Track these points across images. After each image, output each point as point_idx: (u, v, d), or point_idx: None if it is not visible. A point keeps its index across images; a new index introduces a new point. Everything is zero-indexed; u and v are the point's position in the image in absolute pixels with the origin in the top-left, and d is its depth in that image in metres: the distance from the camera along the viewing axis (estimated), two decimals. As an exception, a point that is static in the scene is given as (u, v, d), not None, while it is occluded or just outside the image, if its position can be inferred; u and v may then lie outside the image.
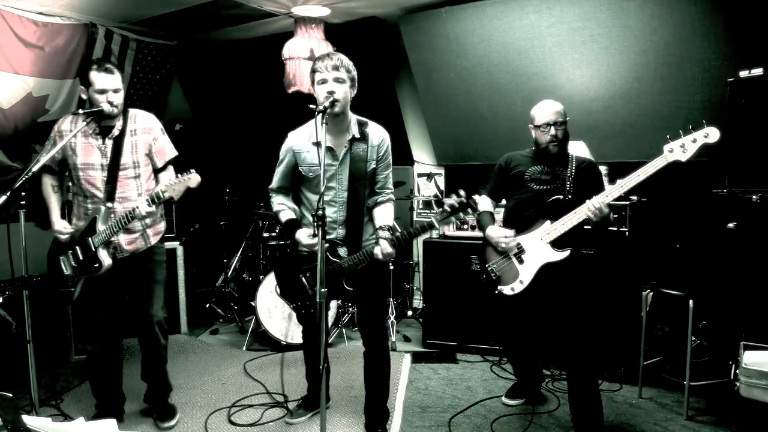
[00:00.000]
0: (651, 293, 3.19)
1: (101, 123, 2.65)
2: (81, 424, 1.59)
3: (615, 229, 3.40)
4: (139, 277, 2.79)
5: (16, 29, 3.65)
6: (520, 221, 2.80)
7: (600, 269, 3.35)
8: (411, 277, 4.99)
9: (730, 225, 3.03)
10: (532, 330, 3.05)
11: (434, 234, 4.21)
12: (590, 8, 3.56)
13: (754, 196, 2.92)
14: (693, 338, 3.00)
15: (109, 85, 2.56)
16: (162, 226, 2.88)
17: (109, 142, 2.65)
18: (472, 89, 4.26)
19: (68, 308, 3.77)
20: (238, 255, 5.00)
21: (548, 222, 2.69)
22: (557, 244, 2.68)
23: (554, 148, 2.74)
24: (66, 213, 2.90)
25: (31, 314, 2.39)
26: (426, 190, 5.06)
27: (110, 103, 2.56)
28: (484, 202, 2.96)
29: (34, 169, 2.35)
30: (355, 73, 2.47)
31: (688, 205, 3.48)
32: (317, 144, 2.25)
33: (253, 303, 4.10)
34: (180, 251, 4.33)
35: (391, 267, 4.47)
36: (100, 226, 2.61)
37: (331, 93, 2.33)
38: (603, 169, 3.00)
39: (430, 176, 5.03)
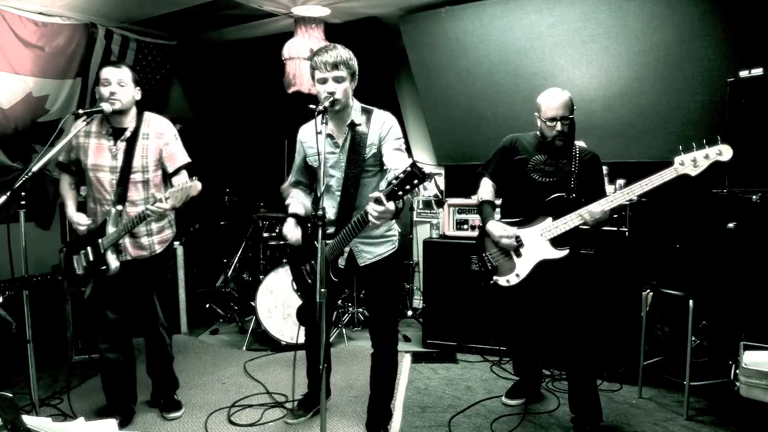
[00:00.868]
0: (651, 293, 3.19)
1: (113, 123, 2.64)
2: (81, 424, 1.59)
3: (615, 229, 3.40)
4: (144, 282, 2.81)
5: (16, 29, 3.65)
6: (520, 214, 2.79)
7: (600, 269, 3.36)
8: (411, 277, 5.00)
9: (730, 225, 3.03)
10: (532, 325, 3.05)
11: (434, 234, 4.22)
12: (590, 8, 3.56)
13: (754, 196, 2.92)
14: (693, 338, 3.00)
15: (112, 76, 2.56)
16: (169, 233, 2.86)
17: (121, 145, 2.65)
18: (472, 89, 4.26)
19: (68, 308, 3.77)
20: (238, 255, 4.99)
21: (550, 219, 2.69)
22: (556, 242, 2.68)
23: (559, 142, 2.71)
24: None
25: (31, 314, 2.39)
26: (426, 190, 5.05)
27: (111, 95, 2.54)
28: (485, 187, 2.94)
29: (34, 169, 2.34)
30: (355, 66, 2.44)
31: (688, 205, 3.48)
32: (319, 134, 2.24)
33: (253, 303, 4.11)
34: (180, 251, 4.33)
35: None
36: (110, 229, 2.61)
37: (331, 94, 2.33)
38: (603, 169, 2.99)
39: (430, 176, 5.01)
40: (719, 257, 3.20)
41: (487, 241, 2.87)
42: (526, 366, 3.19)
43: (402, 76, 4.95)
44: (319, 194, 2.18)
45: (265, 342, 4.16)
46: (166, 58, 4.89)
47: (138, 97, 2.69)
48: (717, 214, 3.15)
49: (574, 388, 2.79)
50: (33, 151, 4.05)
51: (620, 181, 3.42)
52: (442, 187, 4.99)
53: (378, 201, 1.98)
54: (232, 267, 5.01)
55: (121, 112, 2.61)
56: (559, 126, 2.67)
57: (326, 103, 2.26)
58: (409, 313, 4.77)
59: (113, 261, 2.61)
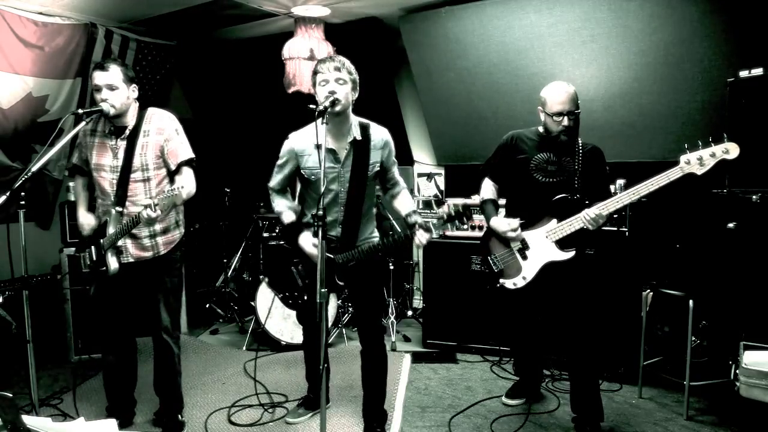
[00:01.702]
0: (651, 293, 3.19)
1: (115, 123, 2.61)
2: (81, 424, 1.59)
3: (615, 229, 3.40)
4: (148, 285, 2.71)
5: (16, 29, 3.65)
6: (524, 215, 2.76)
7: (600, 269, 3.35)
8: (411, 277, 4.99)
9: (730, 225, 3.02)
10: (535, 326, 3.05)
11: (434, 234, 4.20)
12: (590, 8, 3.56)
13: (754, 196, 2.92)
14: (693, 338, 3.00)
15: (101, 81, 2.50)
16: (176, 235, 2.74)
17: (122, 143, 2.60)
18: (472, 89, 4.26)
19: (68, 308, 3.77)
20: (238, 255, 4.99)
21: (554, 221, 2.67)
22: (562, 243, 2.66)
23: (565, 137, 2.66)
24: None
25: (31, 314, 2.38)
26: (426, 190, 5.05)
27: (103, 101, 2.50)
28: (486, 186, 2.93)
29: (34, 169, 2.34)
30: (357, 77, 2.47)
31: (688, 205, 3.48)
32: (319, 147, 2.25)
33: (253, 303, 4.11)
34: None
35: (391, 267, 4.48)
36: (110, 229, 2.58)
37: (332, 93, 2.33)
38: (605, 162, 2.93)
39: (430, 176, 5.02)
40: (719, 257, 3.19)
41: (492, 243, 2.84)
42: (527, 366, 3.19)
43: (402, 76, 4.96)
44: (319, 197, 2.18)
45: (265, 342, 4.15)
46: (166, 58, 4.89)
47: (135, 94, 2.62)
48: (717, 214, 3.14)
49: (577, 388, 2.79)
50: (33, 151, 4.05)
51: (620, 181, 3.42)
52: (442, 187, 4.99)
53: (427, 229, 2.47)
54: (232, 267, 5.01)
55: (119, 114, 2.57)
56: (566, 121, 2.62)
57: (327, 103, 2.25)
58: (409, 313, 4.76)
59: (113, 262, 2.58)
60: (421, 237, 2.45)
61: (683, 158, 2.41)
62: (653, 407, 3.11)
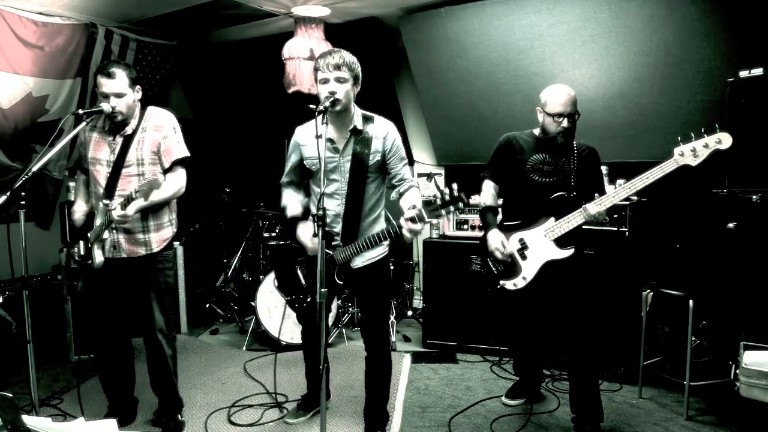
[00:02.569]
0: (651, 293, 3.19)
1: (115, 121, 2.62)
2: (81, 424, 1.59)
3: (615, 229, 3.40)
4: (140, 283, 2.71)
5: (16, 29, 3.65)
6: (521, 215, 2.78)
7: (600, 269, 3.35)
8: (411, 277, 4.99)
9: (730, 225, 3.02)
10: (535, 326, 3.05)
11: (434, 234, 4.22)
12: (590, 8, 3.56)
13: (754, 196, 2.91)
14: (693, 338, 3.00)
15: (109, 90, 2.52)
16: (168, 233, 2.75)
17: (120, 140, 2.62)
18: (472, 89, 4.26)
19: (68, 308, 3.77)
20: (238, 255, 4.99)
21: (552, 219, 2.67)
22: (561, 241, 2.66)
23: (562, 139, 2.68)
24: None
25: (31, 314, 2.39)
26: (426, 190, 5.04)
27: (113, 108, 2.52)
28: (486, 191, 2.92)
29: (34, 169, 2.34)
30: (358, 70, 2.45)
31: (688, 205, 3.48)
32: (319, 137, 2.24)
33: (253, 303, 4.11)
34: (180, 251, 4.33)
35: (391, 267, 4.48)
36: (96, 222, 2.60)
37: (332, 93, 2.33)
38: (603, 169, 2.98)
39: (430, 176, 5.01)
40: (719, 257, 3.20)
41: None
42: (527, 366, 3.19)
43: (402, 76, 4.95)
44: (319, 195, 2.18)
45: (265, 342, 4.16)
46: (166, 58, 4.89)
47: (139, 96, 2.65)
48: (717, 214, 3.14)
49: (576, 388, 2.79)
50: (33, 151, 4.05)
51: (620, 181, 3.42)
52: (442, 187, 4.98)
53: (418, 219, 2.15)
54: (232, 267, 5.01)
55: (125, 119, 2.60)
56: (565, 123, 2.64)
57: (327, 103, 2.25)
58: (409, 313, 4.76)
59: (98, 255, 2.59)
60: (410, 225, 2.18)
61: (677, 150, 2.43)
62: (653, 407, 3.11)
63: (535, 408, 3.07)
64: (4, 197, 2.28)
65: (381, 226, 2.64)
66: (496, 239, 2.76)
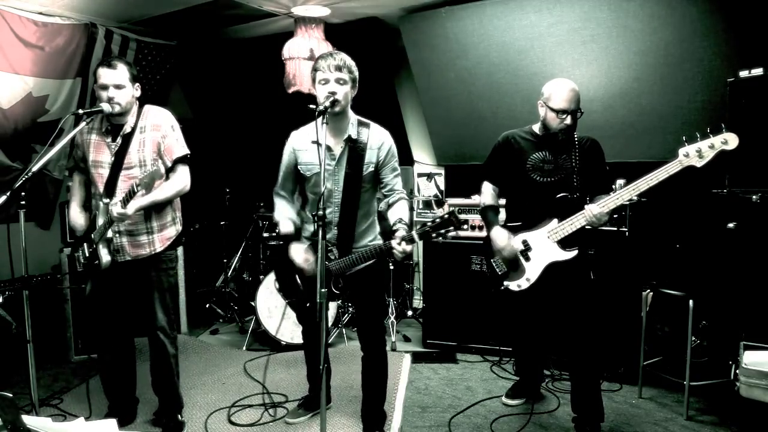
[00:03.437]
0: (651, 293, 3.19)
1: (113, 121, 2.62)
2: (81, 424, 1.59)
3: (615, 229, 3.40)
4: (143, 283, 2.70)
5: (16, 29, 3.65)
6: (525, 216, 2.76)
7: (600, 269, 3.35)
8: (411, 277, 5.00)
9: (730, 225, 3.02)
10: (538, 326, 3.05)
11: (417, 242, 4.17)
12: (590, 8, 3.56)
13: (754, 196, 2.92)
14: (693, 338, 3.00)
15: (109, 80, 2.51)
16: (172, 232, 2.74)
17: (119, 140, 2.61)
18: (472, 89, 4.26)
19: (68, 308, 3.77)
20: (238, 255, 5.00)
21: (555, 220, 2.65)
22: (564, 243, 2.65)
23: (563, 136, 2.64)
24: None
25: (31, 314, 2.39)
26: (426, 190, 5.05)
27: (110, 100, 2.51)
28: (486, 192, 2.91)
29: (34, 169, 2.34)
30: (357, 74, 2.46)
31: (688, 205, 3.48)
32: (316, 143, 2.24)
33: (253, 303, 4.10)
34: (180, 251, 4.31)
35: (391, 267, 4.48)
36: (99, 221, 2.60)
37: (332, 93, 2.33)
38: (604, 156, 2.91)
39: (430, 176, 5.03)
40: (719, 257, 3.20)
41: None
42: (528, 366, 3.19)
43: (402, 76, 4.96)
44: (319, 197, 2.17)
45: (265, 342, 4.16)
46: (166, 58, 4.89)
47: (138, 93, 2.64)
48: (717, 214, 3.14)
49: (577, 388, 2.78)
50: (33, 151, 4.05)
51: (620, 181, 3.40)
52: (442, 187, 4.99)
53: (409, 240, 2.26)
54: (232, 267, 5.01)
55: (122, 113, 2.58)
56: (568, 120, 2.59)
57: (327, 103, 2.25)
58: (409, 313, 4.77)
59: (104, 255, 2.57)
60: (399, 247, 2.27)
61: (682, 151, 2.39)
62: (653, 407, 3.11)
63: (535, 408, 3.07)
64: (4, 197, 2.27)
65: (375, 231, 2.66)
66: (502, 237, 2.73)
